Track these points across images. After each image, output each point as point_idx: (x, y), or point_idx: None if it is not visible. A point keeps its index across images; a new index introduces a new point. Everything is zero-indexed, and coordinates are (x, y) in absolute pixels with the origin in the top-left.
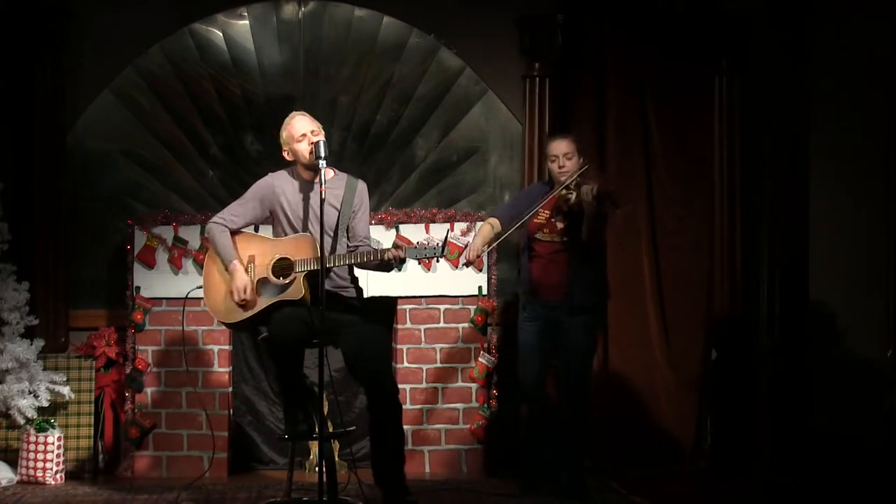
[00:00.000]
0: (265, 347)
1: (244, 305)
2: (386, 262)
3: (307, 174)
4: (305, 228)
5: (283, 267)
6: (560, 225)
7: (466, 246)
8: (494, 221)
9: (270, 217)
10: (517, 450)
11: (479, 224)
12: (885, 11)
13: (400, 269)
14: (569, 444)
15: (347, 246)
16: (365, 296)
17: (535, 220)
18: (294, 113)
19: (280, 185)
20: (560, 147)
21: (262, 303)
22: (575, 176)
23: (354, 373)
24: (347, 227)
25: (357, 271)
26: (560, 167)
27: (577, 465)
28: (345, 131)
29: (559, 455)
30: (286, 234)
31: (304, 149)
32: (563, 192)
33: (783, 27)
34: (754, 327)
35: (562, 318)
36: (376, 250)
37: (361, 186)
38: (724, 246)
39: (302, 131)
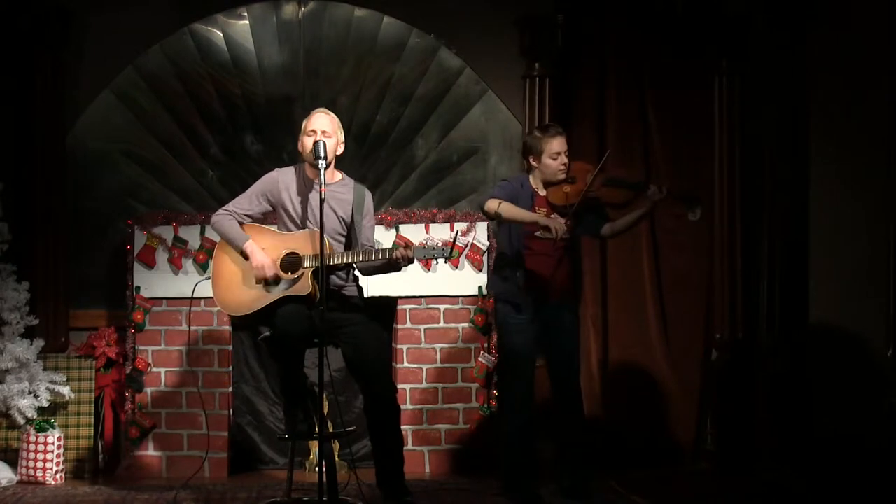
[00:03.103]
0: (265, 347)
1: (270, 283)
2: (394, 263)
3: (312, 172)
4: (307, 224)
5: (291, 262)
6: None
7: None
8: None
9: (274, 211)
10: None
11: (481, 224)
12: (884, 11)
13: (400, 270)
14: (571, 443)
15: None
16: (365, 295)
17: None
18: (319, 109)
19: (285, 181)
20: (563, 143)
21: (271, 296)
22: (595, 173)
23: (353, 373)
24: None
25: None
26: (563, 164)
27: (581, 464)
28: (345, 131)
29: (563, 456)
30: (289, 230)
31: (308, 143)
32: (567, 188)
33: (783, 27)
34: (754, 327)
35: (556, 317)
36: (384, 249)
37: (368, 193)
38: (724, 246)
39: (313, 127)
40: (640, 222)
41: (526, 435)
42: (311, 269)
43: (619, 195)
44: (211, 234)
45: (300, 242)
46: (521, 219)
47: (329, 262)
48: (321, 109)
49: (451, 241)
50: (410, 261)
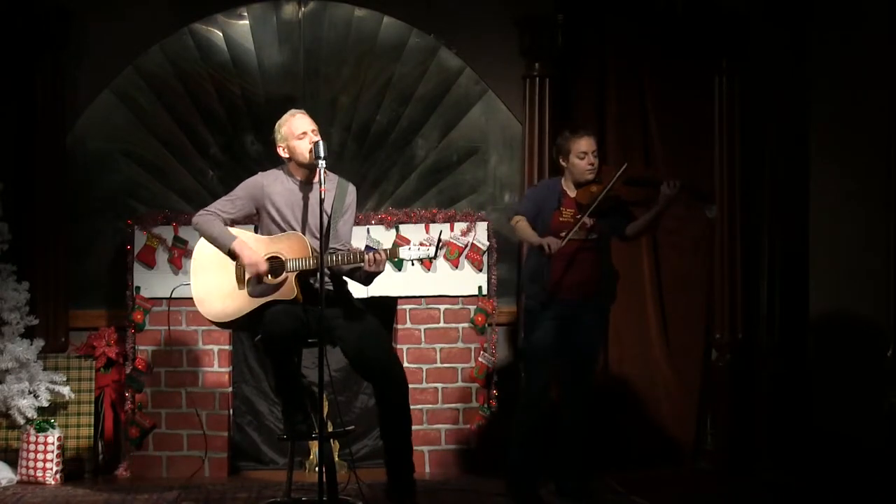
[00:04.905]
0: (262, 348)
1: (264, 278)
2: (369, 274)
3: (300, 173)
4: (293, 228)
5: (273, 266)
6: (589, 222)
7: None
8: (523, 218)
9: (256, 215)
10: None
11: (481, 224)
12: (884, 11)
13: (370, 279)
14: (576, 444)
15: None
16: (366, 296)
17: (559, 220)
18: (294, 110)
19: (269, 185)
20: (590, 144)
21: (254, 302)
22: (619, 173)
23: (358, 369)
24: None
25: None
26: (590, 164)
27: (581, 465)
28: (345, 131)
29: (563, 456)
30: (273, 234)
31: (303, 147)
32: (594, 188)
33: (783, 26)
34: (754, 327)
35: (581, 316)
36: (358, 251)
37: (352, 189)
38: (724, 246)
39: (303, 129)
40: (659, 220)
41: (536, 434)
42: (295, 273)
43: (638, 193)
44: None
45: (282, 245)
46: (524, 240)
47: (305, 265)
48: (298, 111)
49: (437, 240)
50: (374, 275)
